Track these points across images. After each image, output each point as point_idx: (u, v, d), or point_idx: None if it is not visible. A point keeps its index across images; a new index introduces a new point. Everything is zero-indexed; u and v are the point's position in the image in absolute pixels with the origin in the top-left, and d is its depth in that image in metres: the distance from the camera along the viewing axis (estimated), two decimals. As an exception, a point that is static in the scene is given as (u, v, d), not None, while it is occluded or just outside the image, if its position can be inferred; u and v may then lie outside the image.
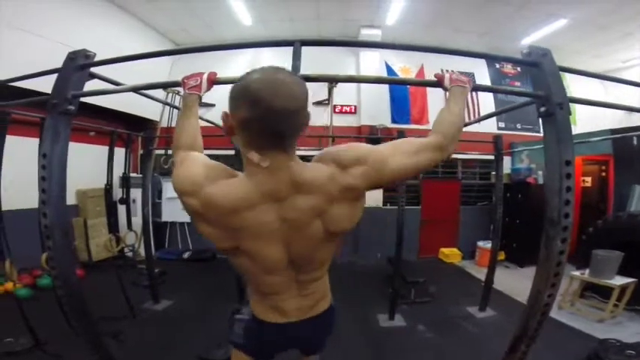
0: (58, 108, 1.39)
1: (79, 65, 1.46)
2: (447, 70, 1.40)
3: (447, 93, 1.20)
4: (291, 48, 1.35)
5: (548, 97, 1.28)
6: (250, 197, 0.87)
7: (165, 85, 1.56)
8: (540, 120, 1.39)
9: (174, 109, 6.19)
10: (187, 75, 1.20)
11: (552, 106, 1.27)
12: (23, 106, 2.76)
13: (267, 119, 0.78)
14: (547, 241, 1.30)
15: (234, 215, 0.87)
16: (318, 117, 6.05)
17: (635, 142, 4.59)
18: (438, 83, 1.26)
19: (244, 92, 0.79)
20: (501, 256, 5.22)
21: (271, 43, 1.51)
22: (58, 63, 1.57)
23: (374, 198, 6.03)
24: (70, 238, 1.44)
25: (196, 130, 1.10)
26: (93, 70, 1.56)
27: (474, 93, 5.20)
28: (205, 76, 1.19)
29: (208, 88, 1.20)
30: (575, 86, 5.73)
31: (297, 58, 1.27)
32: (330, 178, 0.89)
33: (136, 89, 1.48)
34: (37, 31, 4.05)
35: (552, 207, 1.28)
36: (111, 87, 1.62)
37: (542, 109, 1.30)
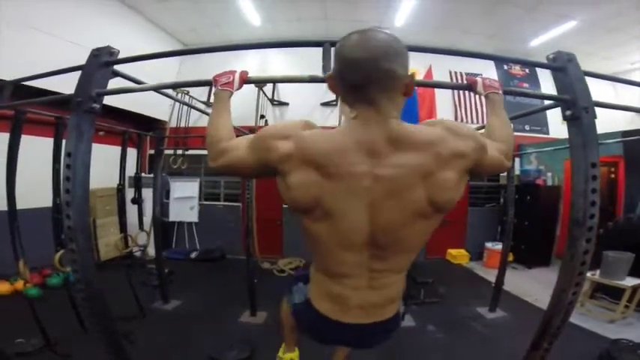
0: (82, 106, 1.37)
1: (103, 62, 1.45)
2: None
3: (485, 99, 1.20)
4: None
5: (574, 101, 1.28)
6: (347, 144, 0.83)
7: (193, 84, 1.55)
8: (562, 124, 1.39)
9: (183, 110, 6.29)
10: (219, 73, 1.21)
11: (578, 110, 1.27)
12: (38, 105, 2.79)
13: (343, 71, 0.84)
14: (572, 241, 1.30)
15: (326, 159, 0.83)
16: (327, 118, 6.07)
17: (646, 144, 4.55)
18: (469, 87, 1.26)
19: (339, 48, 0.85)
20: (510, 257, 5.20)
21: (301, 43, 1.51)
22: (68, 61, 1.57)
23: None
24: (91, 240, 1.44)
25: (231, 125, 1.09)
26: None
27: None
28: (237, 75, 1.19)
29: (240, 86, 1.20)
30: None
31: (326, 58, 1.26)
32: (441, 138, 0.84)
33: (160, 88, 1.47)
34: (47, 29, 4.10)
35: (578, 208, 1.28)
36: (132, 85, 1.62)
37: (568, 112, 1.31)
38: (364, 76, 0.81)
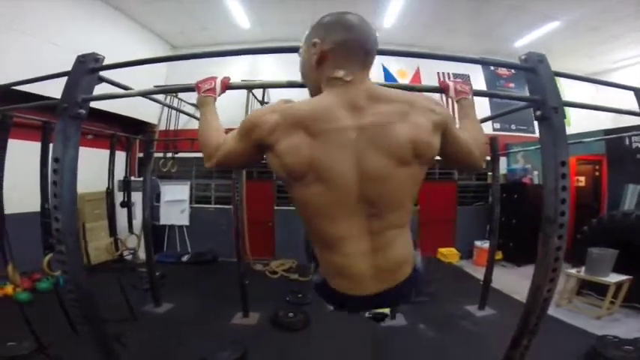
0: (68, 112, 1.40)
1: (88, 69, 1.47)
2: (450, 78, 1.46)
3: (456, 104, 1.25)
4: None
5: (544, 101, 1.33)
6: (329, 104, 0.91)
7: (177, 90, 1.58)
8: (536, 122, 1.44)
9: (172, 113, 6.28)
10: (200, 80, 1.25)
11: (548, 110, 1.32)
12: (26, 110, 2.78)
13: (359, 39, 0.94)
14: (545, 238, 1.35)
15: (312, 119, 0.89)
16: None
17: (627, 142, 4.68)
18: (441, 90, 1.31)
19: (342, 21, 0.95)
20: (499, 255, 5.29)
21: (287, 49, 1.54)
22: (55, 63, 1.58)
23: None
24: (80, 242, 1.46)
25: (220, 126, 1.14)
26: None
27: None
28: (219, 80, 1.23)
29: (222, 92, 1.24)
30: (567, 87, 5.83)
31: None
32: (415, 96, 0.97)
33: (146, 94, 1.51)
34: (33, 32, 4.09)
35: (549, 205, 1.33)
36: (118, 91, 1.64)
37: (539, 112, 1.36)
38: (373, 48, 0.97)
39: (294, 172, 0.90)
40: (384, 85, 1.26)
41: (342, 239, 0.96)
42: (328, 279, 1.07)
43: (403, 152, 0.90)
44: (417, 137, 0.91)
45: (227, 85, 1.26)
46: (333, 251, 0.99)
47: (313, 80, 1.02)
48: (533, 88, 1.39)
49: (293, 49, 1.59)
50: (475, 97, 1.26)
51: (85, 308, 1.45)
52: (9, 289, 3.62)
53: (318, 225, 0.98)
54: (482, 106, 6.29)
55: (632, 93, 1.89)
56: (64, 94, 1.45)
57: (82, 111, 1.43)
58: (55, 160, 1.38)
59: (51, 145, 3.22)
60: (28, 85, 2.09)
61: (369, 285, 1.01)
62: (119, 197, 4.94)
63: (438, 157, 1.01)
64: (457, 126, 1.09)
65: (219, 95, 1.23)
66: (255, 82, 2.20)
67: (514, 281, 4.53)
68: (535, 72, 1.37)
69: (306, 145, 0.88)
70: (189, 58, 1.72)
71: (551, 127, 1.32)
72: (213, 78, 1.24)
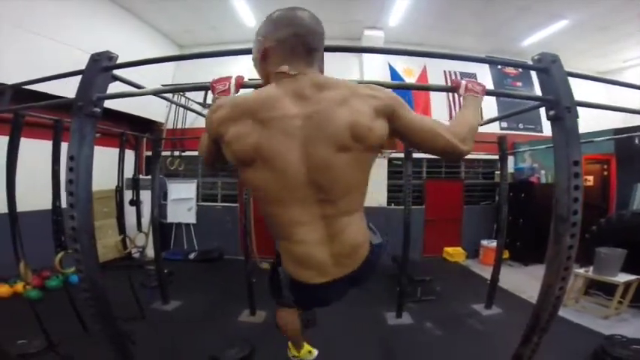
0: (83, 110, 1.42)
1: (102, 67, 1.49)
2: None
3: (462, 99, 1.25)
4: None
5: (558, 101, 1.33)
6: (275, 93, 0.95)
7: (191, 89, 1.59)
8: (544, 121, 1.44)
9: (179, 111, 6.32)
10: (215, 79, 1.26)
11: (561, 110, 1.33)
12: (37, 109, 2.80)
13: (301, 37, 0.97)
14: (557, 237, 1.35)
15: (259, 107, 0.93)
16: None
17: (637, 141, 4.64)
18: (453, 89, 1.31)
19: (287, 17, 0.99)
20: (505, 254, 5.27)
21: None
22: (64, 63, 1.59)
23: (377, 198, 6.09)
24: (94, 240, 1.48)
25: None
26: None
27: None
28: (233, 80, 1.24)
29: (236, 92, 1.24)
30: (577, 86, 5.77)
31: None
32: (359, 85, 1.01)
33: (160, 92, 1.52)
34: (43, 32, 4.12)
35: (562, 204, 1.33)
36: (132, 89, 1.66)
37: (552, 112, 1.36)
38: (316, 43, 1.00)
39: (242, 157, 0.94)
40: (390, 86, 1.26)
41: (297, 225, 0.99)
42: (289, 270, 1.09)
43: (342, 137, 0.92)
44: (356, 122, 0.93)
45: (241, 84, 1.27)
46: (291, 240, 1.02)
47: (262, 72, 1.07)
48: (546, 89, 1.39)
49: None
50: (485, 97, 1.26)
51: (100, 306, 1.47)
52: (19, 286, 3.67)
53: (272, 211, 1.01)
54: (490, 106, 6.26)
55: (643, 92, 1.88)
56: (79, 92, 1.46)
57: (97, 109, 1.45)
58: (71, 158, 1.40)
59: (62, 144, 3.27)
60: (41, 86, 2.13)
61: (329, 272, 1.04)
62: (128, 196, 4.99)
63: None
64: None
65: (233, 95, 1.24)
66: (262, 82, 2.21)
67: (521, 280, 4.52)
68: (548, 72, 1.37)
69: (252, 131, 0.92)
70: (198, 57, 1.74)
71: (564, 127, 1.32)
72: (228, 78, 1.25)
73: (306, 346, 2.31)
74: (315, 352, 2.38)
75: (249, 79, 1.32)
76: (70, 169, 1.39)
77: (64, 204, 1.59)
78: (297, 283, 1.08)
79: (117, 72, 1.60)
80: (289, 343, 2.31)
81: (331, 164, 0.94)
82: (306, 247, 1.01)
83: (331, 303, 1.23)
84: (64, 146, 1.81)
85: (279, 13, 1.01)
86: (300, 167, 0.93)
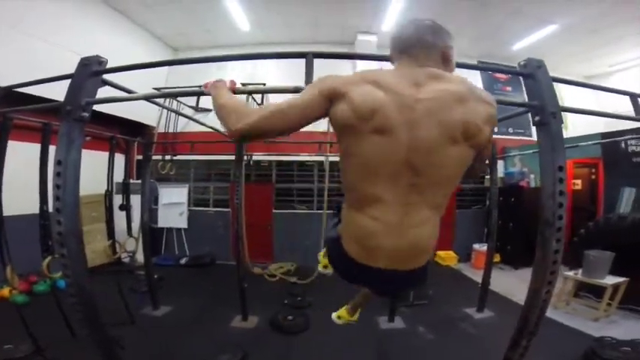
0: (72, 115, 1.41)
1: (92, 71, 1.48)
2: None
3: None
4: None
5: (543, 107, 1.36)
6: (395, 74, 1.01)
7: (182, 94, 1.58)
8: (534, 128, 1.46)
9: (171, 115, 6.28)
10: (208, 82, 1.27)
11: (546, 116, 1.35)
12: (26, 112, 2.77)
13: (416, 36, 1.06)
14: (543, 241, 1.37)
15: (382, 80, 0.97)
16: (317, 123, 6.11)
17: (623, 145, 4.73)
18: None
19: (409, 23, 1.10)
20: (496, 258, 5.31)
21: (284, 54, 1.56)
22: (55, 64, 1.58)
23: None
24: (82, 245, 1.47)
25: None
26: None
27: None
28: (228, 84, 1.26)
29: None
30: (566, 90, 5.88)
31: (309, 70, 1.32)
32: (472, 86, 1.02)
33: (150, 97, 1.51)
34: (34, 33, 4.09)
35: (547, 209, 1.35)
36: (122, 94, 1.65)
37: (537, 118, 1.38)
38: (429, 41, 1.06)
39: (363, 112, 0.95)
40: None
41: (379, 201, 1.00)
42: (344, 240, 1.10)
43: (454, 130, 0.95)
44: (471, 119, 0.96)
45: (233, 90, 1.28)
46: (365, 212, 1.02)
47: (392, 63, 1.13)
48: (531, 94, 1.42)
49: (287, 55, 1.62)
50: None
51: (87, 312, 1.46)
52: (5, 291, 3.60)
53: (361, 180, 1.02)
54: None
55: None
56: (68, 96, 1.45)
57: (86, 114, 1.44)
58: (58, 162, 1.38)
59: (50, 147, 3.23)
60: (29, 89, 2.10)
61: (380, 260, 1.05)
62: (117, 200, 4.93)
63: None
64: None
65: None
66: (259, 88, 2.24)
67: (512, 284, 4.56)
68: (534, 78, 1.40)
69: (376, 94, 0.96)
70: (190, 63, 1.72)
71: (549, 133, 1.35)
72: (222, 81, 1.26)
73: (351, 317, 2.28)
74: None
75: (243, 84, 1.33)
76: (57, 174, 1.38)
77: (51, 208, 1.57)
78: (343, 253, 1.10)
79: (107, 76, 1.59)
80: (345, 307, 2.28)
81: (434, 150, 0.96)
82: (376, 226, 1.01)
83: (363, 285, 1.25)
84: (52, 149, 1.79)
85: (407, 21, 1.12)
86: (403, 144, 0.95)
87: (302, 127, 1.02)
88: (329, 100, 0.99)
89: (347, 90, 0.97)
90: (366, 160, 0.98)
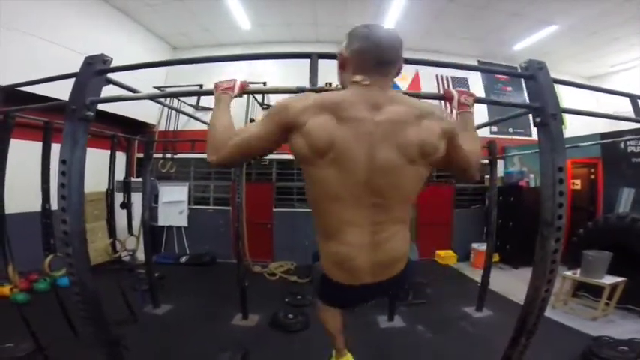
0: (76, 114, 1.42)
1: (96, 70, 1.49)
2: (449, 81, 1.53)
3: (458, 115, 1.32)
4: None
5: (543, 108, 1.37)
6: (352, 98, 1.02)
7: (186, 94, 1.59)
8: (535, 128, 1.48)
9: (172, 114, 6.29)
10: (220, 80, 1.30)
11: (547, 117, 1.36)
12: (29, 111, 2.76)
13: (373, 50, 1.03)
14: (542, 240, 1.38)
15: (338, 106, 0.99)
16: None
17: (622, 145, 4.74)
18: (445, 98, 1.37)
19: (363, 32, 1.06)
20: (496, 257, 5.33)
21: (289, 55, 1.57)
22: (56, 63, 1.58)
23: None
24: (86, 244, 1.48)
25: (232, 123, 1.16)
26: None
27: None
28: (238, 82, 1.29)
29: (239, 94, 1.29)
30: (565, 91, 5.90)
31: (313, 70, 1.34)
32: (428, 105, 1.08)
33: (155, 97, 1.52)
34: (36, 32, 4.08)
35: (546, 209, 1.37)
36: (126, 93, 1.66)
37: (538, 119, 1.40)
38: (389, 58, 1.05)
39: (318, 148, 0.98)
40: None
41: (347, 225, 1.04)
42: (327, 270, 1.14)
43: (411, 150, 1.00)
44: (427, 139, 1.01)
45: (244, 89, 1.31)
46: (337, 240, 1.06)
47: (341, 80, 1.15)
48: (532, 95, 1.43)
49: (291, 56, 1.62)
50: (475, 103, 1.31)
51: (92, 310, 1.47)
52: (6, 289, 3.60)
53: (327, 208, 1.05)
54: (481, 110, 6.35)
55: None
56: (72, 95, 1.46)
57: (90, 113, 1.45)
58: (63, 162, 1.39)
59: (53, 146, 3.23)
60: (32, 87, 2.11)
61: (363, 277, 1.10)
62: (119, 198, 4.94)
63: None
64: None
65: (235, 95, 1.28)
66: (269, 88, 2.26)
67: (511, 283, 4.57)
68: (535, 79, 1.41)
69: (331, 126, 0.98)
70: (191, 63, 1.73)
71: (549, 134, 1.36)
72: (233, 79, 1.29)
73: (349, 356, 2.22)
74: None
75: (250, 82, 1.35)
76: (62, 173, 1.39)
77: (54, 206, 1.58)
78: (332, 282, 1.14)
79: (110, 75, 1.60)
80: (333, 351, 2.26)
81: (394, 171, 1.01)
82: (351, 250, 1.06)
83: (359, 304, 1.31)
84: (55, 147, 1.79)
85: (358, 28, 1.08)
86: (364, 169, 0.99)
87: (271, 152, 1.08)
88: (286, 132, 1.02)
89: (303, 121, 0.98)
90: (328, 187, 1.02)
